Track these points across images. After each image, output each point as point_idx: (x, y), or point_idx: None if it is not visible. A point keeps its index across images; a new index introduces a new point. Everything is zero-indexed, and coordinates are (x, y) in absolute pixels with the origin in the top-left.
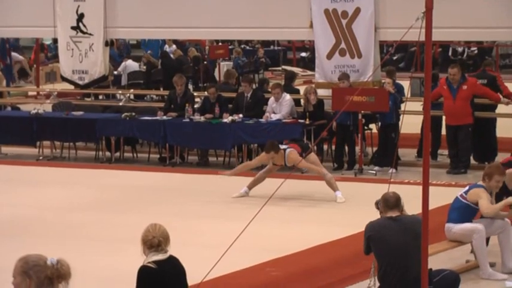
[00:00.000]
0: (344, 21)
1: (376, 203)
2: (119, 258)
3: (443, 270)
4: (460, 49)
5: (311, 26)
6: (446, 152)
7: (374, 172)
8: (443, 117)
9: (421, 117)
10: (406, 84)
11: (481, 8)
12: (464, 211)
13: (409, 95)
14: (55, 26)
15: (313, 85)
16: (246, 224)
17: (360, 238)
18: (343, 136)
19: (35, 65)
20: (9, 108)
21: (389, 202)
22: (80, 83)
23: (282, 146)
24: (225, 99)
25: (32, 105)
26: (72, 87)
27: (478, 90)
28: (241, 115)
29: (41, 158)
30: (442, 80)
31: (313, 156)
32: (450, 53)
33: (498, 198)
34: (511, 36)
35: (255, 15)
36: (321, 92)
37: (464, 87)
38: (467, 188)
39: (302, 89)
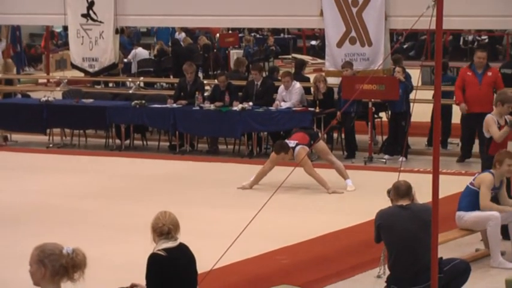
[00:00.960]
0: (354, 10)
1: (388, 192)
2: (128, 246)
3: (453, 259)
4: (470, 38)
5: (321, 14)
6: (456, 140)
7: (384, 160)
8: (453, 106)
9: (431, 106)
10: (416, 72)
11: None
12: (473, 199)
13: (419, 84)
14: (65, 13)
15: (323, 73)
16: (255, 212)
17: (369, 226)
18: (344, 124)
19: (45, 53)
20: (19, 96)
21: (400, 190)
22: (90, 70)
23: (291, 144)
24: (235, 87)
25: (42, 93)
26: (82, 74)
27: (498, 81)
28: (251, 103)
29: (51, 145)
30: (463, 69)
31: (321, 144)
32: (461, 42)
33: None
34: None
35: (265, 3)
36: (331, 81)
37: (489, 73)
38: (476, 174)
39: (312, 77)
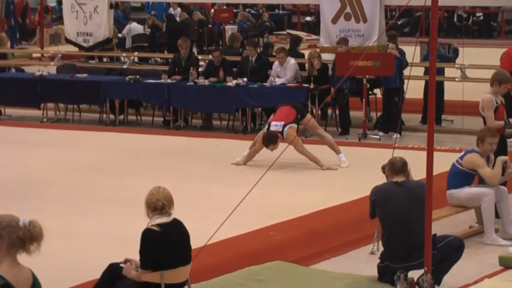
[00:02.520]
0: None
1: (383, 168)
2: (122, 220)
3: (447, 236)
4: (465, 15)
5: None
6: (450, 117)
7: (378, 137)
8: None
9: (422, 83)
10: (411, 49)
11: None
12: (461, 177)
13: (415, 61)
14: None
15: (318, 49)
16: (249, 188)
17: (363, 203)
18: (338, 100)
19: (39, 27)
20: (13, 70)
21: (396, 167)
22: (85, 45)
23: (277, 127)
24: (229, 63)
25: (36, 67)
26: (76, 49)
27: None
28: (245, 79)
29: (44, 120)
30: (509, 49)
31: (310, 120)
32: (455, 19)
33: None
34: None
35: None
36: (326, 57)
37: None
38: (462, 153)
39: (307, 54)
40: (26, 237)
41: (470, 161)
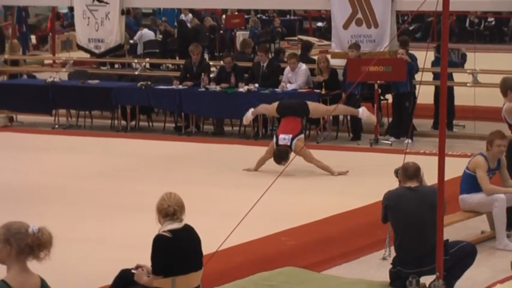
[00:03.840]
0: None
1: (396, 171)
2: (134, 226)
3: (460, 242)
4: (476, 20)
5: None
6: (462, 122)
7: (389, 142)
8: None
9: (432, 88)
10: (423, 54)
11: None
12: (471, 181)
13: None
14: None
15: (327, 55)
16: (261, 194)
17: (375, 208)
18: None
19: (50, 34)
20: (25, 76)
21: (409, 172)
22: (96, 51)
23: (286, 140)
24: (240, 68)
25: (47, 74)
26: (88, 55)
27: None
28: (256, 85)
29: (56, 126)
30: None
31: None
32: (467, 24)
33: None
34: None
35: None
36: (337, 62)
37: None
38: (471, 157)
39: None
40: (35, 244)
41: (474, 161)
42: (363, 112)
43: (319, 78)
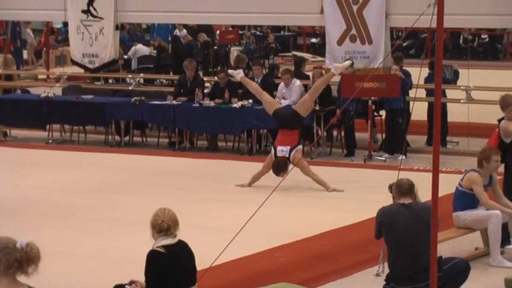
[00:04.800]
0: (355, 7)
1: (390, 187)
2: (127, 242)
3: (453, 258)
4: (470, 37)
5: (322, 12)
6: (455, 139)
7: (383, 159)
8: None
9: (425, 104)
10: (417, 71)
11: None
12: (464, 199)
13: (422, 82)
14: (65, 9)
15: (320, 70)
16: (254, 209)
17: (368, 225)
18: (344, 122)
19: (45, 49)
20: (19, 92)
21: (403, 188)
22: (90, 66)
23: (284, 152)
24: (235, 84)
25: (42, 89)
26: (82, 70)
27: None
28: (250, 100)
29: (50, 141)
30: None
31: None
32: (461, 41)
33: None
34: None
35: (266, 1)
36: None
37: None
38: (463, 174)
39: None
40: (24, 259)
41: (469, 178)
42: (335, 68)
43: None
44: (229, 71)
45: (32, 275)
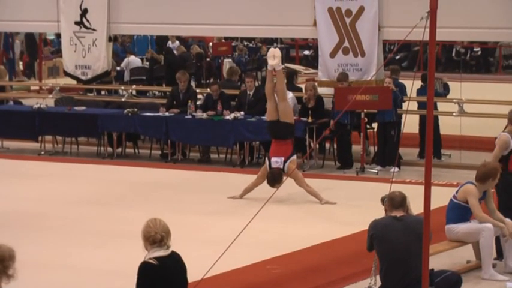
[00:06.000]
0: (348, 20)
1: (382, 199)
2: (119, 253)
3: (445, 271)
4: (463, 50)
5: (314, 24)
6: (448, 152)
7: (376, 171)
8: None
9: (417, 117)
10: (410, 83)
11: (484, 8)
12: (458, 211)
13: (414, 95)
14: (58, 20)
15: (313, 82)
16: (247, 221)
17: (361, 237)
18: (339, 135)
19: (37, 60)
20: (11, 103)
21: (395, 201)
22: (83, 78)
23: (278, 163)
24: (227, 96)
25: (34, 100)
26: (74, 82)
27: None
28: (243, 112)
29: (42, 152)
30: None
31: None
32: (453, 53)
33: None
34: None
35: (259, 13)
36: (324, 91)
37: None
38: (459, 187)
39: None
40: None
41: (465, 190)
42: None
43: (309, 103)
44: (269, 53)
45: (13, 277)
